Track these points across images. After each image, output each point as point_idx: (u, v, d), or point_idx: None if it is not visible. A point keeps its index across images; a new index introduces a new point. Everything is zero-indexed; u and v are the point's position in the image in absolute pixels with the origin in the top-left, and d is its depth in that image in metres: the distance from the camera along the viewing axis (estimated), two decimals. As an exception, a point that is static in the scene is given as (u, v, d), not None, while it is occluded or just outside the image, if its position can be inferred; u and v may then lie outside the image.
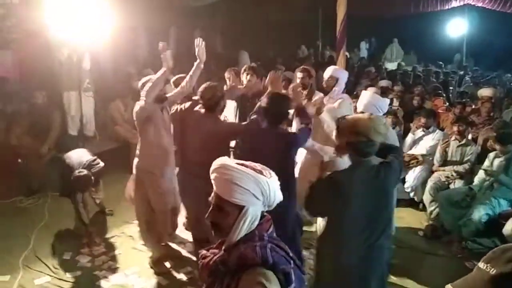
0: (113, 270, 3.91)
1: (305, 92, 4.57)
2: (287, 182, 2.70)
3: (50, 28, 5.31)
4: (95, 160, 4.51)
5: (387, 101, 4.07)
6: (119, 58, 7.75)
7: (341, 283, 2.53)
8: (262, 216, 1.55)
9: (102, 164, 4.50)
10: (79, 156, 4.52)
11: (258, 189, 1.48)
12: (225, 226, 1.51)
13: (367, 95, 3.92)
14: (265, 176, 1.51)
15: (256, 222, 1.51)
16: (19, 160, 5.44)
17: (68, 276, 3.82)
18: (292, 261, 1.49)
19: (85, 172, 4.25)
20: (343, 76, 4.54)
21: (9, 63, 6.77)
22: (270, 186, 1.51)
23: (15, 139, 5.50)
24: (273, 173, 1.56)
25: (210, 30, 11.46)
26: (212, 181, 1.53)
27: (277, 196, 1.55)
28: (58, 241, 4.36)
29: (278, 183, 1.57)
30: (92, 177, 4.31)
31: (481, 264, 1.17)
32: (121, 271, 3.91)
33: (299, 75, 4.78)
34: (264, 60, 10.58)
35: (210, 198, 1.54)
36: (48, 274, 3.84)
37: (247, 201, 1.48)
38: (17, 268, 3.85)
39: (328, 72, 4.59)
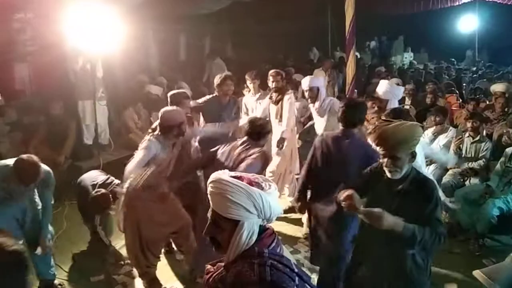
0: (132, 276, 3.98)
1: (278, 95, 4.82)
2: None
3: (64, 39, 5.42)
4: (108, 178, 4.40)
5: (402, 89, 4.46)
6: (131, 66, 7.87)
7: None
8: (264, 230, 1.50)
9: (117, 181, 4.32)
10: (92, 177, 4.43)
11: (250, 202, 1.43)
12: (222, 242, 1.48)
13: (385, 83, 4.41)
14: (262, 188, 1.46)
15: (254, 237, 1.45)
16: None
17: (91, 280, 3.92)
18: (297, 278, 1.42)
19: (102, 190, 4.13)
20: (320, 82, 4.82)
21: (26, 75, 6.94)
22: (264, 199, 1.44)
23: (32, 149, 5.61)
24: (273, 186, 1.51)
25: (220, 35, 11.56)
26: (208, 196, 1.50)
27: (274, 209, 1.48)
28: (77, 248, 4.45)
29: (276, 195, 1.51)
30: (111, 196, 4.16)
31: None
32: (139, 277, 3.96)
33: (272, 79, 4.91)
34: (274, 63, 10.62)
35: (208, 213, 1.51)
36: (67, 280, 3.92)
37: (241, 215, 1.43)
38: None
39: (305, 83, 4.72)
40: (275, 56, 12.38)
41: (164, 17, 8.25)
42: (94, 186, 4.28)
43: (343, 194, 2.32)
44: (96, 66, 6.35)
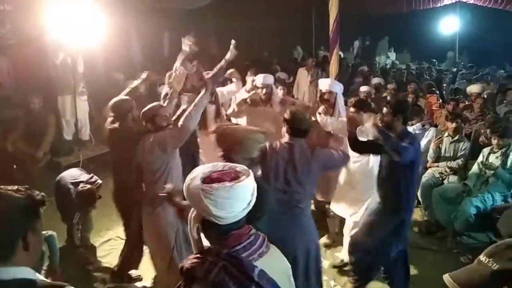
0: (111, 273, 3.93)
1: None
2: None
3: (45, 32, 5.32)
4: (92, 177, 4.27)
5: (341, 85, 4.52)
6: (112, 61, 7.77)
7: None
8: (231, 230, 1.47)
9: (100, 181, 4.23)
10: (72, 175, 4.29)
11: (192, 199, 1.47)
12: None
13: (327, 79, 4.58)
14: (211, 187, 1.42)
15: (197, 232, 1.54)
16: (15, 166, 5.44)
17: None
18: (254, 287, 1.35)
19: (88, 186, 4.06)
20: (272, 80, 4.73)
21: (5, 69, 6.78)
22: (200, 199, 1.42)
23: (10, 145, 5.50)
24: (238, 186, 1.43)
25: (204, 32, 11.48)
26: None
27: (215, 210, 1.42)
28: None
29: (238, 194, 1.44)
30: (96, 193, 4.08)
31: (482, 258, 1.14)
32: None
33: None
34: (259, 61, 10.59)
35: None
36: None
37: (194, 208, 1.54)
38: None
39: (259, 80, 4.67)
40: (259, 54, 12.35)
41: (147, 12, 8.16)
42: (76, 184, 4.15)
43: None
44: (77, 61, 6.25)
